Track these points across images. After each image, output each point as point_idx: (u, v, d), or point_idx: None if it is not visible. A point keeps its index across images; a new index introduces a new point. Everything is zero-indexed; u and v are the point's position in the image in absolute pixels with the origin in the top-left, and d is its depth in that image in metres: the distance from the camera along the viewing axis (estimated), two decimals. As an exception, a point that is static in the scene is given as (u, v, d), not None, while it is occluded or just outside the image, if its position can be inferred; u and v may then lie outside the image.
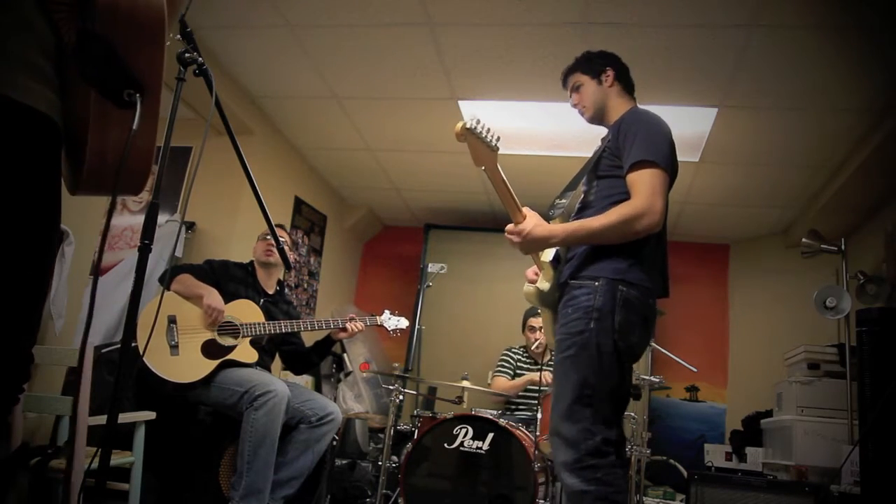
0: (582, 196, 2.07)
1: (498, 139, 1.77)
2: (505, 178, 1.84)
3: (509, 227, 1.94)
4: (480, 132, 1.73)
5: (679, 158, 2.04)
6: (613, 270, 1.87)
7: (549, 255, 2.03)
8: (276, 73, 3.80)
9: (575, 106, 2.21)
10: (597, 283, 1.86)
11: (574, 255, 1.99)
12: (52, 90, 1.05)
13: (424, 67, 3.55)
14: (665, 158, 1.91)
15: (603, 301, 1.83)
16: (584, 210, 2.03)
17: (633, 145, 1.91)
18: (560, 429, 1.82)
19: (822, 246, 3.95)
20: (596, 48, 2.25)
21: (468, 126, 1.70)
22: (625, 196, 1.90)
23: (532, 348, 3.96)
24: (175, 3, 1.21)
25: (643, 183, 1.87)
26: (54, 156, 1.06)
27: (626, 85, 2.17)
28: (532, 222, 1.91)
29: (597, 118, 2.17)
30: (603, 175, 2.01)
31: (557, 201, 2.10)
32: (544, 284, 2.03)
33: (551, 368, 3.96)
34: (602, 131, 2.17)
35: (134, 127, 1.05)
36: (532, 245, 1.93)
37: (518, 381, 3.95)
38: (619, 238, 1.86)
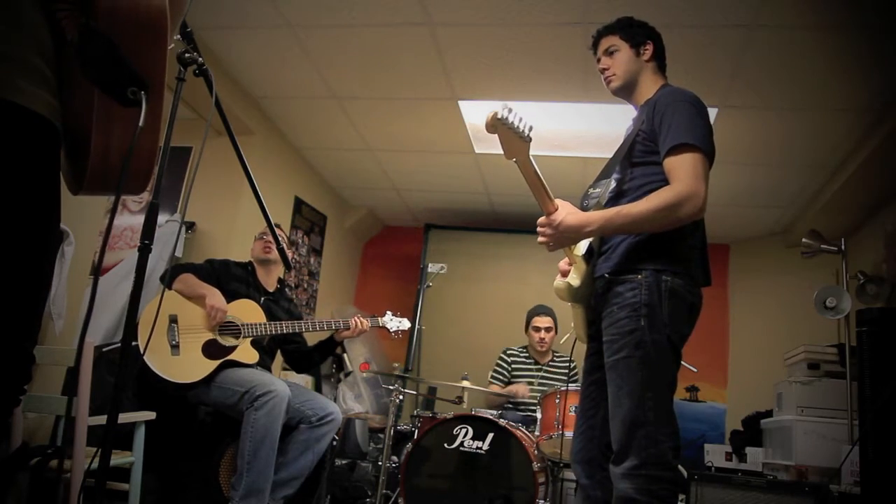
0: (615, 184, 1.94)
1: (530, 129, 1.64)
2: (537, 170, 1.73)
3: (541, 219, 1.81)
4: (512, 122, 1.60)
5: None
6: (655, 262, 1.78)
7: (581, 248, 1.92)
8: (276, 73, 3.80)
9: (603, 71, 2.04)
10: (640, 277, 1.77)
11: (610, 247, 1.88)
12: (50, 92, 1.04)
13: (424, 67, 3.55)
14: (706, 141, 1.79)
15: (649, 295, 1.75)
16: (617, 199, 1.91)
17: (672, 127, 1.79)
18: (621, 436, 1.72)
19: (822, 246, 3.95)
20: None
21: (499, 116, 1.57)
22: (663, 183, 1.79)
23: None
24: (178, 4, 1.21)
25: (684, 167, 1.75)
26: (53, 158, 1.06)
27: (661, 64, 2.04)
28: (565, 211, 1.78)
29: (624, 91, 2.02)
30: (638, 162, 1.89)
31: (591, 191, 1.96)
32: (576, 280, 1.92)
33: (552, 371, 3.99)
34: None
35: (140, 124, 1.05)
36: (566, 235, 1.80)
37: (504, 390, 3.94)
38: (660, 226, 1.75)
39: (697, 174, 1.74)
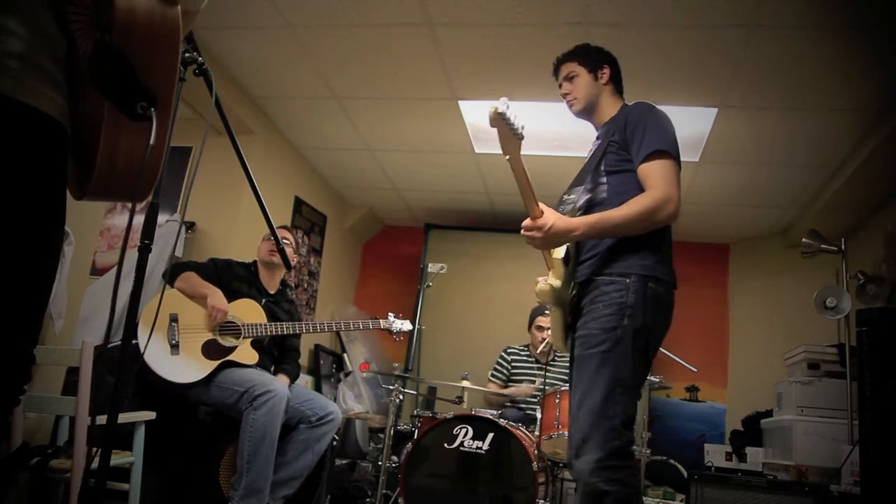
0: (589, 194, 2.03)
1: (523, 128, 1.71)
2: (526, 170, 1.80)
3: (526, 222, 1.89)
4: (510, 118, 1.66)
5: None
6: (643, 267, 1.86)
7: (560, 252, 2.00)
8: (276, 73, 3.80)
9: (565, 95, 2.18)
10: (628, 280, 1.85)
11: (596, 253, 1.95)
12: (62, 95, 1.05)
13: (424, 67, 3.55)
14: (677, 150, 1.91)
15: (635, 298, 1.83)
16: (591, 206, 2.00)
17: (645, 136, 1.91)
18: (587, 426, 1.79)
19: (822, 246, 3.95)
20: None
21: (500, 111, 1.63)
22: (637, 191, 1.89)
23: (539, 349, 3.95)
24: (189, 17, 1.21)
25: (659, 174, 1.86)
26: (61, 159, 1.07)
27: (618, 87, 2.18)
28: (553, 216, 1.87)
29: (585, 113, 2.16)
30: (612, 171, 1.99)
31: (566, 197, 2.06)
32: (556, 282, 1.99)
33: (554, 370, 3.99)
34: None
35: (151, 142, 1.06)
36: (553, 239, 1.88)
37: (506, 391, 3.91)
38: (640, 229, 1.85)
39: (672, 180, 1.87)
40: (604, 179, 2.00)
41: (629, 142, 1.95)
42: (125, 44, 1.03)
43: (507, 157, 1.76)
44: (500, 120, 1.65)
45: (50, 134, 1.03)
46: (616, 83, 2.17)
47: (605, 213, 1.88)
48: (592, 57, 2.16)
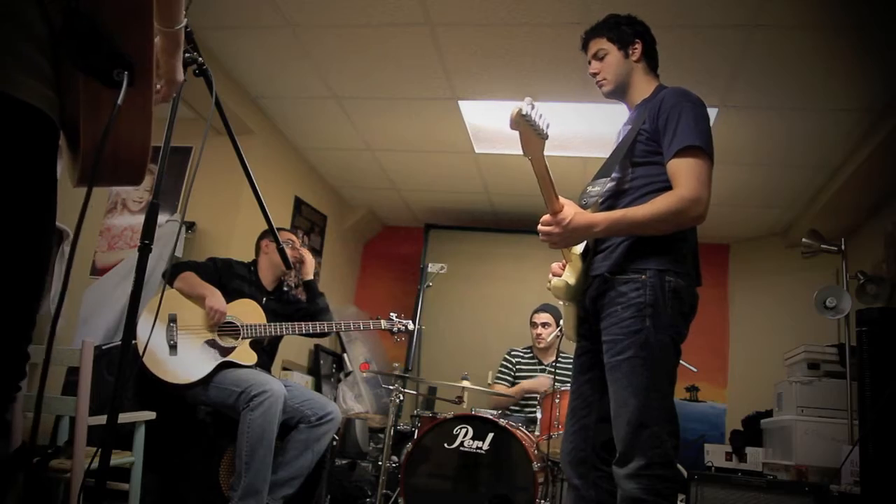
0: (614, 184, 1.93)
1: (548, 126, 1.62)
2: (548, 167, 1.72)
3: (545, 217, 1.80)
4: (534, 119, 1.58)
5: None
6: (659, 261, 1.77)
7: (580, 246, 1.92)
8: (276, 73, 3.80)
9: (594, 75, 2.03)
10: (644, 277, 1.76)
11: (609, 246, 1.87)
12: (48, 86, 1.04)
13: (424, 67, 3.55)
14: (711, 146, 1.79)
15: (654, 295, 1.74)
16: (617, 198, 1.90)
17: (678, 129, 1.78)
18: (625, 438, 1.70)
19: (822, 246, 3.95)
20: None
21: (523, 112, 1.55)
22: (665, 185, 1.79)
23: (542, 345, 3.96)
24: None
25: (689, 172, 1.74)
26: (49, 153, 1.05)
27: (652, 61, 2.03)
28: (572, 210, 1.78)
29: (616, 94, 2.02)
30: (640, 162, 1.88)
31: (589, 189, 1.96)
32: (572, 278, 1.92)
33: (556, 369, 3.97)
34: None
35: (119, 102, 1.02)
36: (573, 235, 1.80)
37: (512, 389, 3.90)
38: (665, 229, 1.76)
39: (702, 179, 1.75)
40: (630, 171, 1.89)
41: (661, 132, 1.82)
42: (94, 10, 1.01)
43: (529, 157, 1.69)
44: (523, 122, 1.57)
45: (38, 127, 1.02)
46: (649, 59, 2.01)
47: (629, 210, 1.79)
48: (622, 31, 1.99)
